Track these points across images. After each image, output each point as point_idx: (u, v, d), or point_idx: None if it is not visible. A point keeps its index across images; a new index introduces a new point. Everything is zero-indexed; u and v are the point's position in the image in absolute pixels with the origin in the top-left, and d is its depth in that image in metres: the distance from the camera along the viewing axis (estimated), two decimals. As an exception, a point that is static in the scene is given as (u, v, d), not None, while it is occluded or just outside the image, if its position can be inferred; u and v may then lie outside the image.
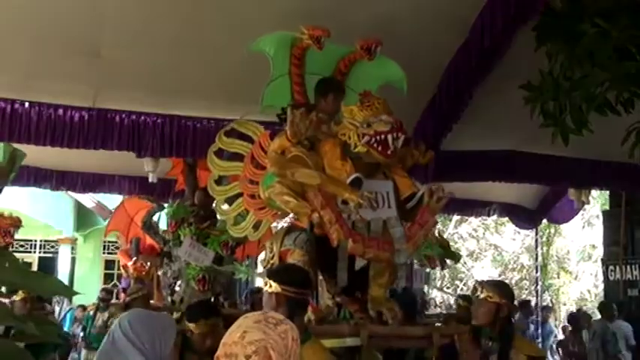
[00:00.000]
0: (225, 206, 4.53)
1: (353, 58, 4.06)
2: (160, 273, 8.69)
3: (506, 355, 3.32)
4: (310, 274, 3.27)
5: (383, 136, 3.43)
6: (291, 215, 4.16)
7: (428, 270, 8.45)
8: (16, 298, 5.34)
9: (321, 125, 3.72)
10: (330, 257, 3.63)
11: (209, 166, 4.37)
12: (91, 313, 8.80)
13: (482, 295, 3.36)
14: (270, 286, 2.85)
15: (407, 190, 3.72)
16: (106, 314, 8.04)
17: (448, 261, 8.03)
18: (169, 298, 7.13)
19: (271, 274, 2.96)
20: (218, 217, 6.34)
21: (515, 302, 4.14)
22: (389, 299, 3.81)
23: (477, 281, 3.50)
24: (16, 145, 3.72)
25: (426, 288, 13.24)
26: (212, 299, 6.87)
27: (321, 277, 3.88)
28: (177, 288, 7.10)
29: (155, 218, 8.02)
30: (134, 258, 9.52)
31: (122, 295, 10.38)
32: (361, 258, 3.52)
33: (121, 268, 10.92)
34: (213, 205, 4.61)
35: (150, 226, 7.73)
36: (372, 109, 3.50)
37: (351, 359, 3.46)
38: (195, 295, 6.64)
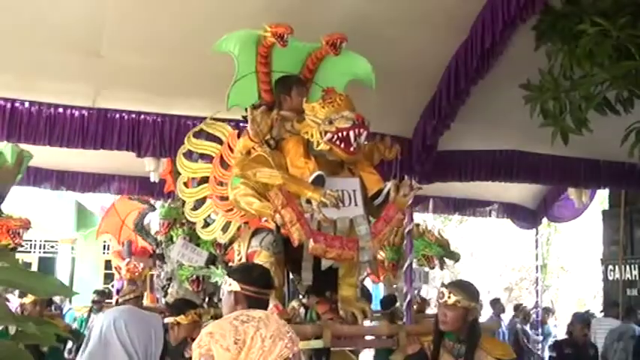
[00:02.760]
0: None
1: (320, 55, 4.03)
2: (153, 274, 8.68)
3: (471, 357, 3.25)
4: (271, 274, 3.22)
5: (345, 133, 3.41)
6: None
7: (427, 269, 8.44)
8: (26, 301, 5.32)
9: (286, 123, 3.70)
10: (298, 258, 3.59)
11: (178, 168, 4.36)
12: (85, 315, 8.74)
13: (450, 301, 3.26)
14: (230, 284, 2.84)
15: (374, 186, 3.68)
16: (100, 315, 8.02)
17: (447, 261, 8.04)
18: (163, 300, 7.12)
19: (231, 272, 2.95)
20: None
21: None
22: (360, 299, 3.75)
23: (443, 284, 3.39)
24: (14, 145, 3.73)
25: (425, 288, 13.22)
26: (205, 299, 6.87)
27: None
28: (170, 289, 7.09)
29: (146, 220, 8.01)
30: (127, 259, 9.52)
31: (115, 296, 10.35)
32: (323, 258, 3.45)
33: (114, 269, 10.85)
34: (185, 207, 4.60)
35: (142, 228, 7.72)
36: (333, 106, 3.48)
37: None
38: (188, 295, 6.63)
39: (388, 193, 3.62)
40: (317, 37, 3.96)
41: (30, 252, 16.03)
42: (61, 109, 5.01)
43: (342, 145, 3.43)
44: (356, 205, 3.56)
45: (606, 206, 10.46)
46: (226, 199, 3.98)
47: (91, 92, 5.03)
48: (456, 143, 6.01)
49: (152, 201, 8.12)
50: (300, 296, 3.92)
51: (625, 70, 3.85)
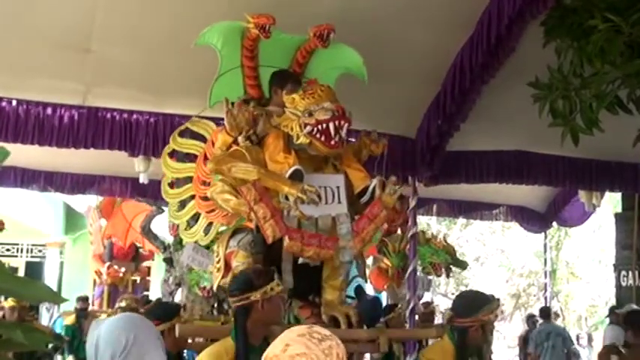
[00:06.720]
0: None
1: (309, 48, 3.90)
2: (135, 279, 8.51)
3: None
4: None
5: (324, 125, 3.27)
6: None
7: (430, 277, 8.27)
8: (6, 305, 5.19)
9: (272, 119, 3.56)
10: (278, 258, 3.43)
11: (162, 168, 4.22)
12: (75, 324, 8.47)
13: None
14: None
15: (360, 183, 3.54)
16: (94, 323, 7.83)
17: (453, 268, 7.86)
18: None
19: None
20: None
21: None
22: (344, 303, 3.58)
23: None
24: (1, 144, 3.61)
25: (429, 295, 13.03)
26: (216, 305, 6.73)
27: None
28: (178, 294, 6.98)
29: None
30: (107, 263, 9.33)
31: (97, 301, 9.90)
32: (300, 257, 3.33)
33: (94, 273, 10.26)
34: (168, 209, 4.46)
35: (149, 231, 7.61)
36: (314, 97, 3.33)
37: None
38: (199, 301, 6.50)
39: (374, 190, 3.49)
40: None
41: (17, 256, 15.61)
42: (50, 108, 4.88)
43: (322, 139, 3.29)
44: (339, 202, 3.43)
45: (619, 209, 10.27)
46: (209, 199, 3.84)
47: (82, 90, 4.91)
48: (462, 143, 5.87)
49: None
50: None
51: (637, 68, 3.71)
